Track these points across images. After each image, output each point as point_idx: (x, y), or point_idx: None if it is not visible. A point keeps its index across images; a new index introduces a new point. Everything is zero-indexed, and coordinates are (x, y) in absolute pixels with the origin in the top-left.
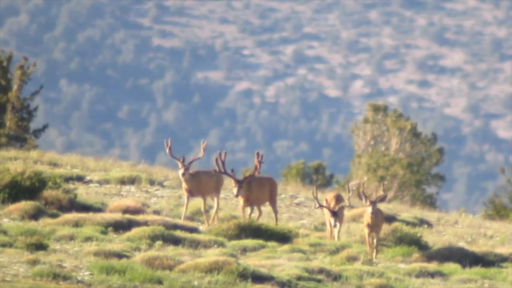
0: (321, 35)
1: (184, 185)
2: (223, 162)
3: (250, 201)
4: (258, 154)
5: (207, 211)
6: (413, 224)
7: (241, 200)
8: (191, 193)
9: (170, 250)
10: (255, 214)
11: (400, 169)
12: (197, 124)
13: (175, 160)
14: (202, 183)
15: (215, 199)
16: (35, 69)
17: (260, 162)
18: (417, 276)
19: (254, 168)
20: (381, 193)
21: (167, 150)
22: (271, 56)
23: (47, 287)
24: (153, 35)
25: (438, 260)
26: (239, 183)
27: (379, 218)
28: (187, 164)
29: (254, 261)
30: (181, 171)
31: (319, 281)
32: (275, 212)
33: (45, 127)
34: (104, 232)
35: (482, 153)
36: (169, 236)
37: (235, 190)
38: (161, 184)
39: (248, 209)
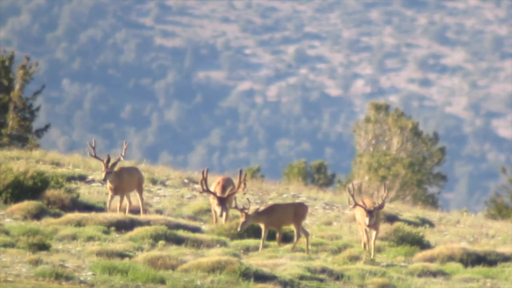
0: (322, 34)
1: (108, 184)
2: (205, 180)
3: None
4: (241, 172)
5: (124, 209)
6: (415, 224)
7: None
8: (115, 191)
9: (173, 250)
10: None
11: (401, 169)
12: (199, 123)
13: (99, 161)
14: (124, 181)
15: (139, 198)
16: (37, 68)
17: (243, 181)
18: (419, 275)
19: (238, 187)
20: (382, 193)
21: (92, 151)
22: (272, 56)
23: (50, 287)
24: (155, 34)
25: (440, 259)
26: (221, 202)
27: (375, 220)
28: (110, 166)
29: (257, 261)
30: (102, 175)
31: (321, 280)
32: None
33: (47, 126)
34: (106, 232)
35: (484, 153)
36: (171, 235)
37: (218, 210)
38: (163, 184)
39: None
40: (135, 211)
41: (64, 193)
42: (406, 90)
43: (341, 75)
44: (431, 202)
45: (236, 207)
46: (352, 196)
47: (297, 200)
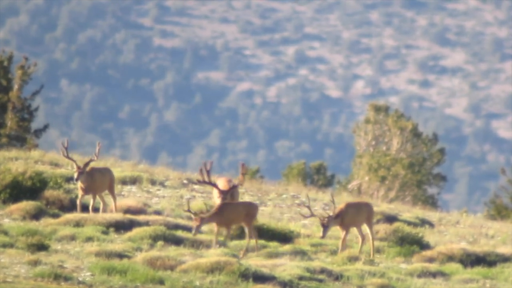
0: (322, 35)
1: (79, 183)
2: (208, 172)
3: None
4: (243, 165)
5: (96, 209)
6: (415, 224)
7: (81, 190)
8: (86, 191)
9: (172, 250)
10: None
11: (401, 169)
12: (198, 124)
13: (71, 161)
14: (96, 181)
15: (112, 198)
16: (36, 69)
17: (243, 174)
18: (419, 276)
19: (238, 180)
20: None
21: (64, 151)
22: (272, 57)
23: None
24: (154, 35)
25: (440, 260)
26: (222, 193)
27: (356, 217)
28: (82, 166)
29: (256, 261)
30: (75, 176)
31: (320, 281)
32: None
33: (46, 127)
34: (105, 232)
35: (483, 153)
36: (170, 236)
37: (216, 199)
38: (162, 184)
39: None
40: (135, 211)
41: (63, 193)
42: (406, 91)
43: (341, 76)
44: (431, 202)
45: (188, 211)
46: (207, 174)
47: (296, 201)
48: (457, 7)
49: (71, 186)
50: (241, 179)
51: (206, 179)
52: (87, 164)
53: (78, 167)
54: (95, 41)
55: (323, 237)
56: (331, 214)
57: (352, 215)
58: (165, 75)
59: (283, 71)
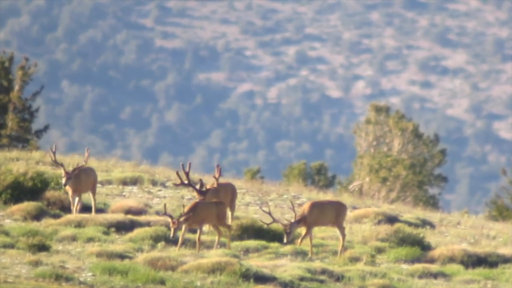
0: (323, 36)
1: (67, 186)
2: (187, 173)
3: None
4: (218, 167)
5: (80, 209)
6: (416, 225)
7: (69, 191)
8: (73, 191)
9: (173, 251)
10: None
11: (402, 170)
12: (199, 125)
13: (59, 166)
14: (82, 181)
15: (92, 197)
16: (37, 69)
17: (215, 178)
18: (420, 276)
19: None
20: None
21: (52, 155)
22: (273, 57)
23: None
24: (155, 36)
25: (441, 261)
26: (201, 193)
27: (319, 217)
28: (70, 172)
29: (257, 262)
30: (63, 181)
31: (321, 281)
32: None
33: (46, 127)
34: (106, 233)
35: (484, 154)
36: None
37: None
38: (163, 185)
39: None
40: (136, 212)
41: (64, 194)
42: (407, 92)
43: (341, 77)
44: (432, 203)
45: (165, 214)
46: (187, 176)
47: (297, 202)
48: (458, 8)
49: None
50: (214, 182)
51: (185, 181)
52: (75, 169)
53: (66, 173)
54: (96, 42)
55: (286, 243)
56: (292, 220)
57: (316, 215)
58: (166, 76)
59: (284, 72)
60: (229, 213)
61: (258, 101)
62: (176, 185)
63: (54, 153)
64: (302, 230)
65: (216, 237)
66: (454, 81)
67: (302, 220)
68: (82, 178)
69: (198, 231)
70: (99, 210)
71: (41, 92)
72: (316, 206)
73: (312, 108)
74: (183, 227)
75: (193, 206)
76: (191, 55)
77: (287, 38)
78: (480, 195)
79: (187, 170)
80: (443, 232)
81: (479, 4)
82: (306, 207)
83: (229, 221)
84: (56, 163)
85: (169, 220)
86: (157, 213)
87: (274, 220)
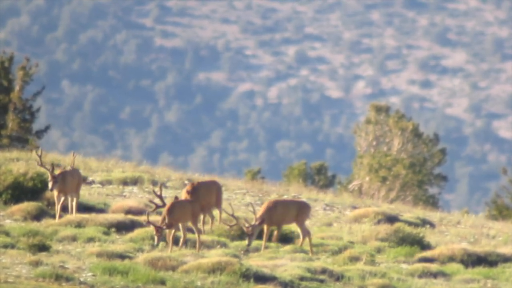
0: (323, 35)
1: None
2: (160, 196)
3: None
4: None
5: (64, 210)
6: (416, 225)
7: (55, 192)
8: (60, 193)
9: (173, 251)
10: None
11: (402, 170)
12: (199, 125)
13: (45, 169)
14: (67, 182)
15: (74, 198)
16: (37, 69)
17: (188, 192)
18: (420, 276)
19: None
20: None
21: (38, 160)
22: (273, 57)
23: None
24: (155, 35)
25: (441, 260)
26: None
27: (282, 216)
28: (56, 175)
29: (257, 262)
30: (49, 185)
31: (321, 281)
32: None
33: (47, 128)
34: (106, 233)
35: (484, 153)
36: None
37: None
38: (164, 185)
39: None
40: (136, 212)
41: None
42: (407, 91)
43: (341, 77)
44: (432, 202)
45: (148, 222)
46: (161, 198)
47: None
48: (457, 7)
49: None
50: (185, 195)
51: (161, 203)
52: (61, 173)
53: (53, 177)
54: (96, 42)
55: (248, 245)
56: (252, 223)
57: (280, 213)
58: (166, 76)
59: (284, 72)
60: (217, 211)
61: (258, 101)
62: (156, 209)
63: (40, 156)
64: (273, 229)
65: (197, 241)
66: (453, 81)
67: (264, 220)
68: (68, 180)
69: (170, 233)
70: (100, 210)
71: (41, 92)
72: (280, 204)
73: (312, 108)
74: (168, 232)
75: (168, 208)
76: (191, 55)
77: (287, 38)
78: (480, 194)
79: (159, 193)
80: (443, 231)
81: (479, 4)
82: (269, 205)
83: (218, 220)
84: (43, 167)
85: (153, 228)
86: (148, 222)
87: (237, 222)
